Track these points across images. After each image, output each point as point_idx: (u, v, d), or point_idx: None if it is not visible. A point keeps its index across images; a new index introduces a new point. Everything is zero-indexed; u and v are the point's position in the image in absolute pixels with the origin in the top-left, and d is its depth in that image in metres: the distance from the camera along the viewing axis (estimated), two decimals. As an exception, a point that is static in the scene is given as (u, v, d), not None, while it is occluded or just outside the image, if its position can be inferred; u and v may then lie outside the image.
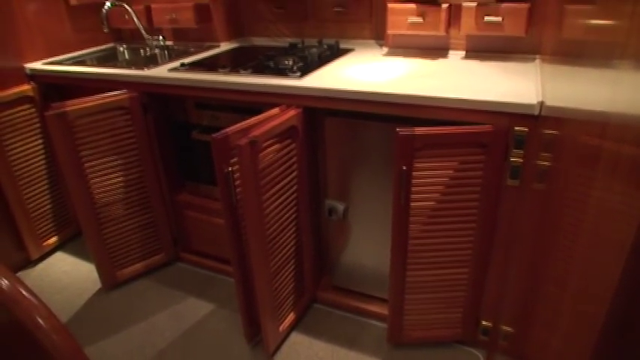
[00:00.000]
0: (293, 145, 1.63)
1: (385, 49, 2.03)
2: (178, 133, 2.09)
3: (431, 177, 1.41)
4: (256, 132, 1.43)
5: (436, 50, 1.94)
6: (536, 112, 1.27)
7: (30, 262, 2.36)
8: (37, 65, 2.18)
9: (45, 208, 2.35)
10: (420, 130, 1.35)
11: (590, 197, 0.64)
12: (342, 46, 2.13)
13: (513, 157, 1.34)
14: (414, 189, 1.43)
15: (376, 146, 1.61)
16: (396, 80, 1.56)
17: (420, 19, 1.78)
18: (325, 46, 2.08)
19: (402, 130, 1.35)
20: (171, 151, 2.13)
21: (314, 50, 2.00)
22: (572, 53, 0.97)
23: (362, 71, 1.70)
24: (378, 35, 2.10)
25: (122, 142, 1.95)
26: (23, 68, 2.18)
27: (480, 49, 1.86)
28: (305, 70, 1.72)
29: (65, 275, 2.28)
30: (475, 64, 1.72)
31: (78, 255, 2.42)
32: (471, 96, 1.36)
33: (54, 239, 2.43)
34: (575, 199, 0.75)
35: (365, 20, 2.11)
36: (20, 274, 2.30)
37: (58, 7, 2.31)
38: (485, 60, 1.76)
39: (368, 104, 1.50)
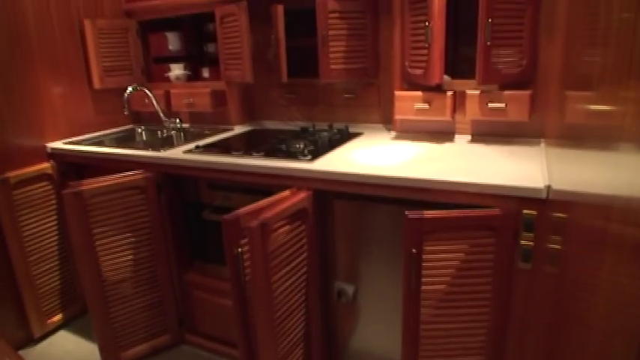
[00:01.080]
0: (303, 227, 1.64)
1: (393, 133, 2.09)
2: (190, 213, 2.12)
3: (441, 260, 1.40)
4: (267, 214, 1.44)
5: (443, 134, 2.00)
6: (544, 196, 1.28)
7: (32, 340, 2.31)
8: (58, 144, 2.27)
9: (52, 286, 2.33)
10: (428, 214, 1.36)
11: (600, 281, 0.63)
12: (352, 130, 2.20)
13: (524, 240, 1.34)
14: (424, 272, 1.41)
15: (385, 228, 1.61)
16: (405, 164, 1.60)
17: (426, 106, 1.84)
18: (335, 130, 2.15)
19: (411, 214, 1.36)
20: (181, 230, 2.15)
21: (324, 134, 2.07)
22: (575, 137, 1.00)
23: (371, 155, 1.74)
24: (386, 120, 2.17)
25: (135, 220, 1.98)
26: (44, 147, 2.26)
27: (486, 133, 1.91)
28: (316, 154, 1.77)
29: (67, 355, 2.21)
30: (481, 148, 1.76)
31: (82, 334, 2.36)
32: (479, 180, 1.38)
33: (58, 317, 2.39)
34: (587, 283, 0.74)
35: (373, 105, 2.20)
36: (21, 353, 2.24)
37: (83, 91, 2.44)
38: (491, 144, 1.80)
39: (377, 187, 1.52)
